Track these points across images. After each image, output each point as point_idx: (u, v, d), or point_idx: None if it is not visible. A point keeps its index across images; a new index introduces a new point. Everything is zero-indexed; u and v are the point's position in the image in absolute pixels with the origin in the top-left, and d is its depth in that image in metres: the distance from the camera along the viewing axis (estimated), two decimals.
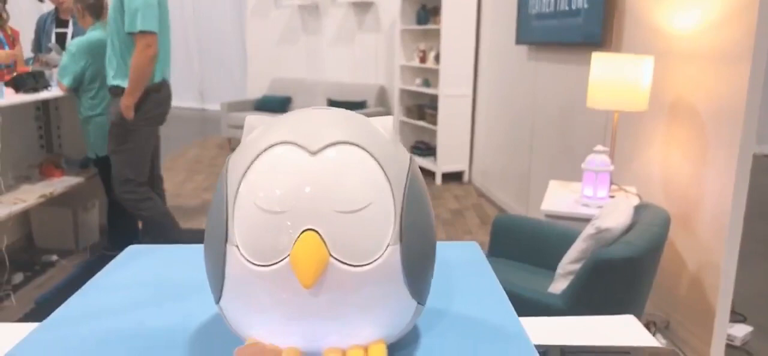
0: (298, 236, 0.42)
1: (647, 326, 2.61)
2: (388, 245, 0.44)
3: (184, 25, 8.98)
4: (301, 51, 6.91)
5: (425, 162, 5.61)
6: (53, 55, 3.85)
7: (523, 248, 2.60)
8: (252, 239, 0.44)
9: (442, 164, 5.40)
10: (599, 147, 2.64)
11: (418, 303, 0.48)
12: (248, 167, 0.45)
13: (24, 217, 3.45)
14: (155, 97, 3.01)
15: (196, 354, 0.51)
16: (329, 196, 0.43)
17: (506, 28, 4.45)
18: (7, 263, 3.05)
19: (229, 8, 8.73)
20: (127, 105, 2.88)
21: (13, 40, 3.67)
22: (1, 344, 0.54)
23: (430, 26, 5.44)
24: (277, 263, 0.43)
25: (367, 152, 0.45)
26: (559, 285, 2.06)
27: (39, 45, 4.21)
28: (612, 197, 2.62)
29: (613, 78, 2.62)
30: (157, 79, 2.99)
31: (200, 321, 0.55)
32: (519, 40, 4.22)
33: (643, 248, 1.84)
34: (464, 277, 0.65)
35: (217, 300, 0.47)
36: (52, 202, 3.28)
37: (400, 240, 0.45)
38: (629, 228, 2.07)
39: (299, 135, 0.45)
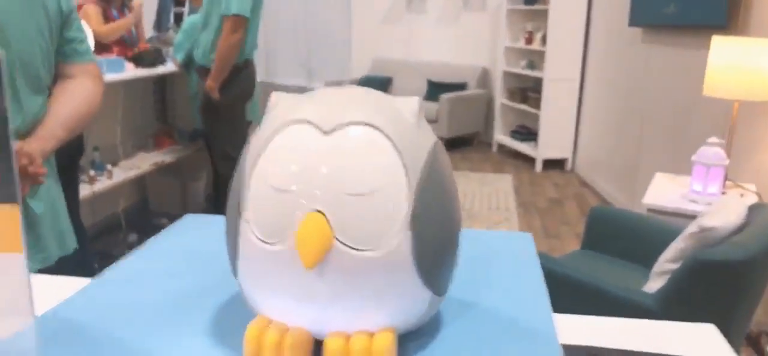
0: (304, 217, 0.42)
1: (758, 337, 2.38)
2: (398, 232, 0.42)
3: (293, 5, 9.27)
4: (404, 31, 6.91)
5: (526, 147, 5.44)
6: (171, 33, 4.13)
7: (621, 243, 2.46)
8: (262, 216, 0.44)
9: (543, 151, 5.21)
10: (713, 139, 2.43)
11: (435, 293, 0.46)
12: (265, 144, 0.45)
13: (140, 182, 3.75)
14: (239, 75, 3.09)
15: (220, 324, 0.52)
16: (338, 177, 0.42)
17: (619, 9, 4.18)
18: (123, 224, 3.33)
19: None
20: (211, 86, 3.00)
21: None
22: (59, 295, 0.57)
23: (538, 6, 5.23)
24: (283, 242, 0.43)
25: (384, 134, 0.44)
26: (654, 285, 1.92)
27: (160, 23, 4.53)
28: (724, 194, 2.40)
29: (735, 64, 2.39)
30: (242, 59, 3.08)
31: (232, 293, 0.57)
32: (632, 22, 3.95)
33: (751, 252, 1.67)
34: (508, 269, 0.61)
35: (235, 274, 0.48)
36: (163, 170, 3.53)
37: (412, 228, 0.43)
38: (740, 229, 1.88)
39: (315, 114, 0.44)
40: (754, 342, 2.37)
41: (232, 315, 0.53)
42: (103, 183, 3.08)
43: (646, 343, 0.78)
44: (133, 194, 3.75)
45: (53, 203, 1.36)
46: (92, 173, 3.07)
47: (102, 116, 3.29)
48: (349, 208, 0.42)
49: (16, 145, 1.15)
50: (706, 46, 2.54)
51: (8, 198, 0.41)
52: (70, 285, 0.68)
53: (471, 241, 0.57)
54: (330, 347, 0.42)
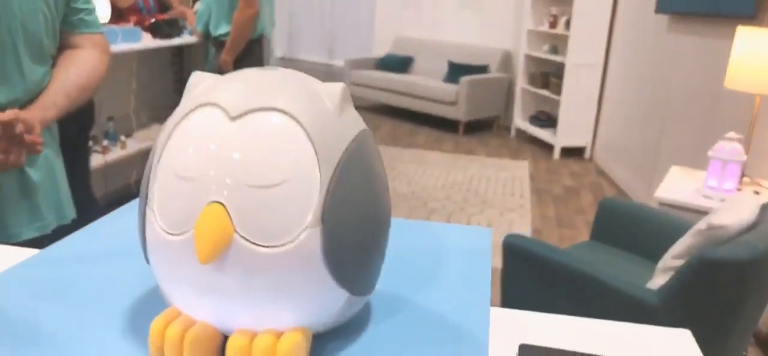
0: (203, 209, 0.39)
1: (767, 339, 2.31)
2: (305, 228, 0.40)
3: None
4: (427, 10, 6.82)
5: (544, 134, 5.34)
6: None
7: (630, 236, 2.40)
8: (165, 206, 0.42)
9: (561, 138, 5.11)
10: (731, 134, 2.34)
11: (351, 293, 0.43)
12: (173, 128, 0.43)
13: None
14: (253, 50, 3.10)
15: (139, 313, 0.50)
16: (242, 167, 0.39)
17: None
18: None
19: None
20: (225, 61, 3.01)
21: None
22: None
23: None
24: (184, 233, 0.40)
25: (296, 121, 0.41)
26: (658, 281, 1.87)
27: None
28: (739, 190, 2.32)
29: (759, 56, 2.30)
30: (256, 34, 3.08)
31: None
32: (659, 9, 3.83)
33: (758, 252, 1.61)
34: (457, 265, 0.59)
35: (147, 262, 0.46)
36: None
37: (322, 223, 0.40)
38: (751, 227, 1.82)
39: (225, 98, 0.42)
40: (763, 342, 2.31)
41: (154, 305, 0.51)
42: (115, 154, 3.11)
43: (612, 347, 0.75)
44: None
45: (52, 172, 1.36)
46: (105, 143, 3.10)
47: (116, 86, 3.31)
48: (251, 201, 0.39)
49: (14, 113, 1.15)
50: (733, 37, 2.45)
51: None
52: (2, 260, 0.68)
53: (427, 234, 0.55)
54: (232, 344, 0.40)
